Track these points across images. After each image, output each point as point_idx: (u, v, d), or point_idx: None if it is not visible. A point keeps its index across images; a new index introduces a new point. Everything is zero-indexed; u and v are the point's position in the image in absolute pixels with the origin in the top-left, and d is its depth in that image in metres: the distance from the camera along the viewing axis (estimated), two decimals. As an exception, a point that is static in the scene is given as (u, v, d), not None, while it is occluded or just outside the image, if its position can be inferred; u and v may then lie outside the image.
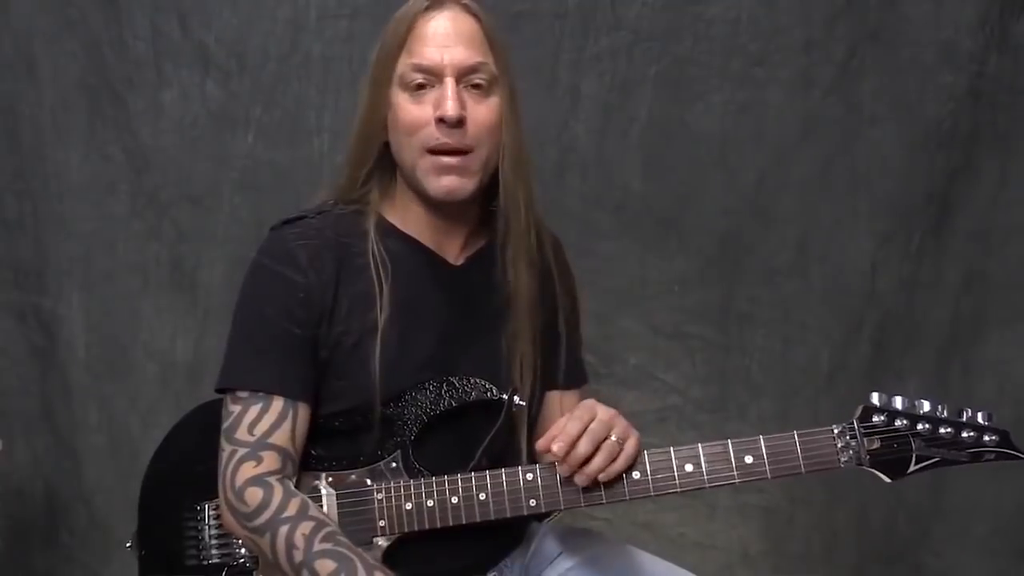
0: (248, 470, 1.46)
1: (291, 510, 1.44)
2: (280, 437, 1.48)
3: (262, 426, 1.48)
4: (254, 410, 1.48)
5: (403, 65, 1.52)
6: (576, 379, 1.75)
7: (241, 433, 1.48)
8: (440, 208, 1.57)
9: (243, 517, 1.46)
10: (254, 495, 1.45)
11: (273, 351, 1.50)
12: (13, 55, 2.63)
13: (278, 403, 1.49)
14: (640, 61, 2.67)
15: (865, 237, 2.70)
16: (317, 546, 1.41)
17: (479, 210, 1.62)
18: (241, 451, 1.47)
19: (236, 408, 1.49)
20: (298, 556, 1.41)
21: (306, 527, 1.42)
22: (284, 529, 1.42)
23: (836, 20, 2.65)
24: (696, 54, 2.67)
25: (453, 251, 1.62)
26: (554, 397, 1.71)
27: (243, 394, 1.50)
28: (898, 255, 2.69)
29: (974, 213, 2.68)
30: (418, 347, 1.55)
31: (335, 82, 2.65)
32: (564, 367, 1.70)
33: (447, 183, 1.51)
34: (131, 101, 2.64)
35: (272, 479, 1.46)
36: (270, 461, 1.47)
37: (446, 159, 1.50)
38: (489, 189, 1.58)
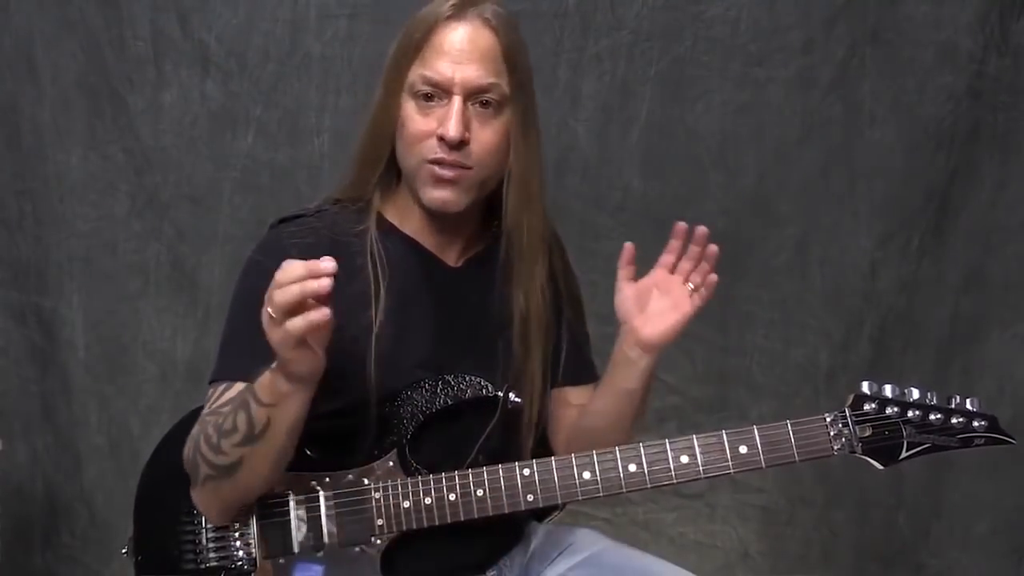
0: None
1: (198, 428, 1.45)
2: None
3: (220, 401, 1.49)
4: (219, 391, 1.50)
5: (415, 73, 1.50)
6: (586, 376, 1.75)
7: (204, 412, 1.50)
8: (439, 214, 1.57)
9: (192, 476, 1.47)
10: (186, 448, 1.47)
11: (258, 345, 1.49)
12: (13, 55, 2.63)
13: (242, 385, 1.48)
14: (640, 61, 2.67)
15: (865, 237, 2.70)
16: (221, 420, 1.42)
17: (481, 216, 1.63)
18: (196, 426, 1.49)
19: (208, 393, 1.52)
20: (214, 439, 1.42)
21: (210, 419, 1.44)
22: (201, 439, 1.43)
23: (836, 20, 2.65)
24: (696, 54, 2.67)
25: (453, 253, 1.62)
26: (567, 394, 1.72)
27: (217, 382, 1.52)
28: (898, 255, 2.69)
29: (974, 213, 2.68)
30: (414, 346, 1.55)
31: (335, 82, 2.64)
32: (572, 365, 1.71)
33: (441, 195, 1.51)
34: (131, 101, 2.64)
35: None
36: None
37: (443, 171, 1.49)
38: (490, 198, 1.59)
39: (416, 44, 1.50)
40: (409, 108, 1.51)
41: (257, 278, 1.53)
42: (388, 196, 1.61)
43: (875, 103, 2.68)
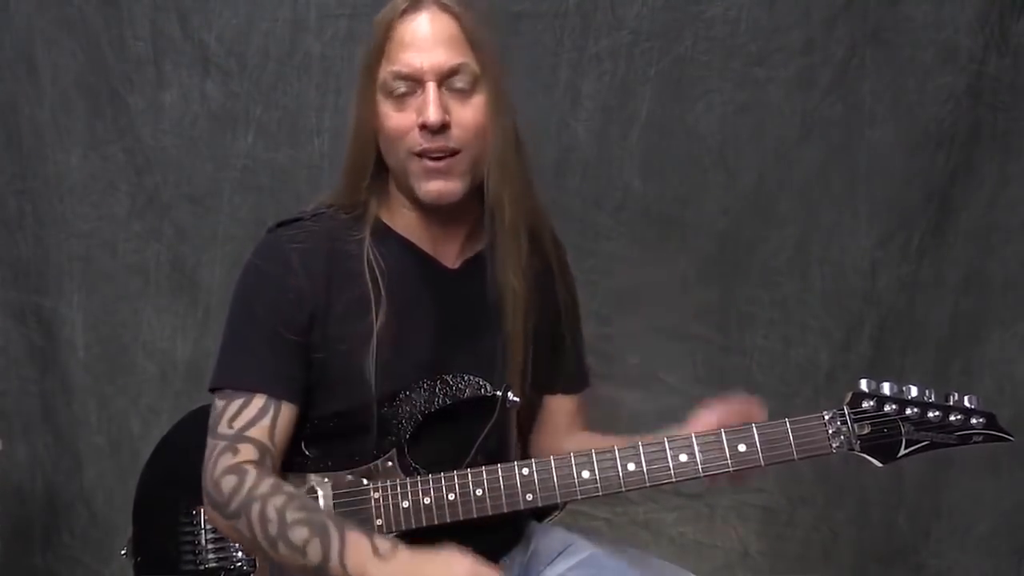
0: (225, 461, 1.47)
1: (263, 488, 1.43)
2: (258, 431, 1.48)
3: (241, 420, 1.48)
4: (235, 405, 1.49)
5: (384, 73, 1.51)
6: (579, 383, 1.76)
7: (222, 427, 1.49)
8: (435, 211, 1.57)
9: (221, 507, 1.46)
10: (228, 482, 1.45)
11: (261, 351, 1.50)
12: (13, 55, 2.63)
13: (259, 400, 1.49)
14: (640, 61, 2.67)
15: (865, 237, 2.70)
16: (291, 516, 1.40)
17: (476, 212, 1.61)
18: (220, 444, 1.48)
19: (220, 404, 1.51)
20: (272, 529, 1.40)
21: (278, 501, 1.42)
22: (256, 506, 1.42)
23: (836, 20, 2.65)
24: (696, 54, 2.67)
25: (450, 255, 1.62)
26: (559, 401, 1.72)
27: (227, 391, 1.51)
28: (898, 255, 2.69)
29: (974, 213, 2.67)
30: (413, 349, 1.55)
31: (335, 82, 2.65)
32: (567, 373, 1.71)
33: (435, 187, 1.51)
34: (131, 101, 2.65)
35: (247, 466, 1.46)
36: (247, 452, 1.47)
37: (433, 163, 1.49)
38: (484, 192, 1.58)
39: (380, 45, 1.51)
40: (385, 107, 1.52)
41: (257, 282, 1.53)
42: (383, 200, 1.61)
43: (875, 103, 2.67)
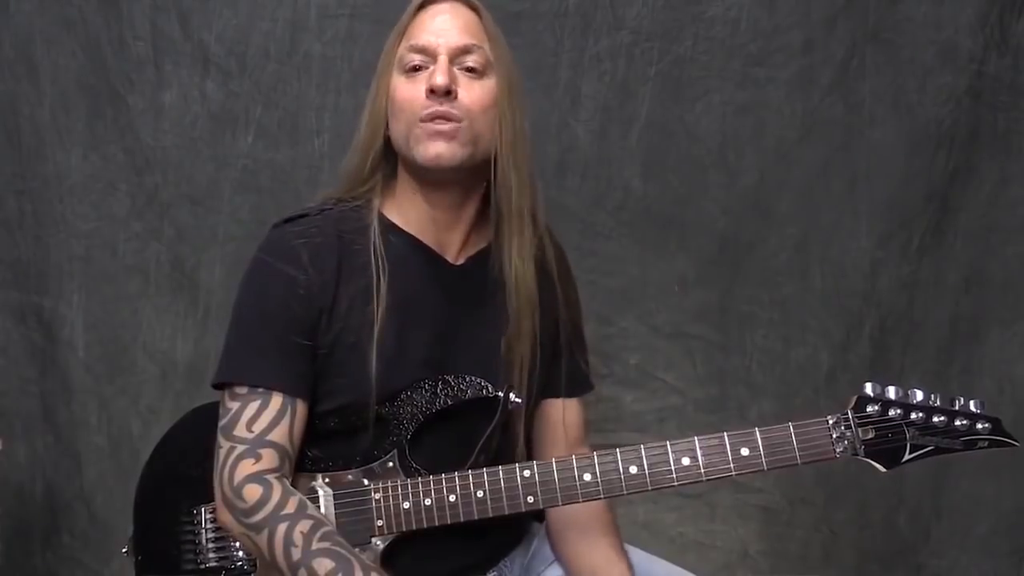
0: (247, 467, 1.46)
1: (290, 508, 1.44)
2: (278, 434, 1.48)
3: (261, 423, 1.48)
4: (253, 406, 1.48)
5: (402, 49, 1.56)
6: (577, 388, 1.75)
7: (239, 429, 1.48)
8: (438, 197, 1.57)
9: (241, 514, 1.45)
10: (252, 492, 1.45)
11: (272, 348, 1.50)
12: (13, 55, 2.63)
13: (277, 399, 1.49)
14: (640, 61, 2.67)
15: (865, 237, 2.70)
16: (315, 545, 1.41)
17: (479, 208, 1.62)
18: (239, 448, 1.47)
19: (235, 404, 1.49)
20: (296, 554, 1.41)
21: (304, 525, 1.42)
22: (283, 527, 1.42)
23: (836, 20, 2.65)
24: (696, 54, 2.67)
25: (453, 250, 1.62)
26: (555, 404, 1.71)
27: (241, 390, 1.50)
28: (898, 255, 2.69)
29: (974, 213, 2.68)
30: (415, 346, 1.55)
31: (335, 82, 2.65)
32: (566, 376, 1.70)
33: (435, 148, 1.51)
34: (131, 101, 2.64)
35: (271, 477, 1.46)
36: (268, 458, 1.47)
37: (436, 125, 1.51)
38: (489, 189, 1.58)
39: (402, 28, 1.58)
40: (398, 81, 1.56)
41: (267, 279, 1.53)
42: (388, 194, 1.62)
43: (875, 103, 2.67)
